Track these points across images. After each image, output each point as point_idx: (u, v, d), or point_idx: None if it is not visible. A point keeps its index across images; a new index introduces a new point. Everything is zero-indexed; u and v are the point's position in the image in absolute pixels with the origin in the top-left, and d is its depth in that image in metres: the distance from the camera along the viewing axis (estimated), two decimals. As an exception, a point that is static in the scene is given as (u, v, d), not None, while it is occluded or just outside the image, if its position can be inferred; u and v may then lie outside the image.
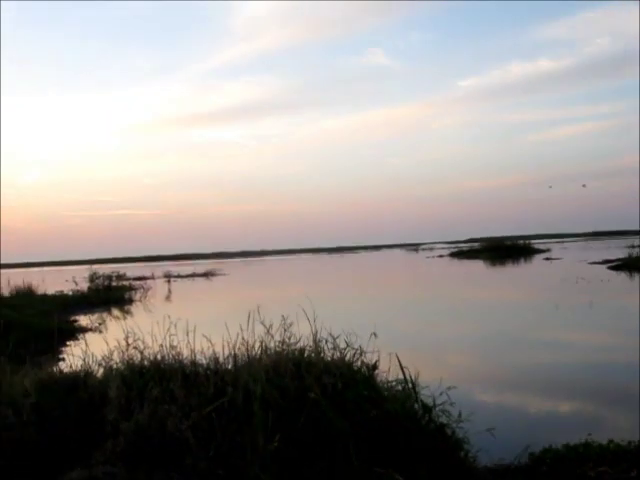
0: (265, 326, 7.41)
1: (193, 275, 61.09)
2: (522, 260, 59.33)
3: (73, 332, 19.56)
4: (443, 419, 6.47)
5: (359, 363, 7.21)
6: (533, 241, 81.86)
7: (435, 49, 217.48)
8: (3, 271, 59.24)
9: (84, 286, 36.33)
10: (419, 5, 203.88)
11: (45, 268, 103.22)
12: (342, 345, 7.30)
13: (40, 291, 33.89)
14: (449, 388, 6.66)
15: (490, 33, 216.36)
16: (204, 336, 7.51)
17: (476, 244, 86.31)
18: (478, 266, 54.28)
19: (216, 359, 7.30)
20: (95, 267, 41.02)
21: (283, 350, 7.18)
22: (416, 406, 6.63)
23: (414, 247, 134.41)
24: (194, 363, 7.27)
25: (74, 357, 8.13)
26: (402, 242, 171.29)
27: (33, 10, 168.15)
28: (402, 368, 6.78)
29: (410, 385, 6.77)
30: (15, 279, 35.69)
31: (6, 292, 32.74)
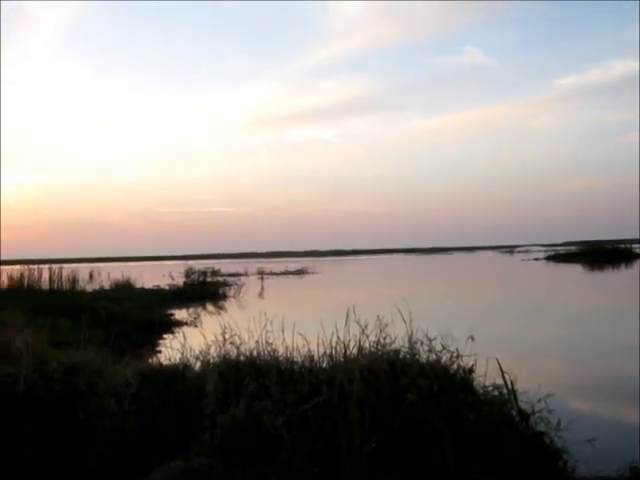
0: (360, 326, 7.38)
1: (286, 273, 61.73)
2: (623, 265, 57.34)
3: (170, 325, 20.07)
4: (541, 427, 6.30)
5: (455, 366, 7.09)
6: (635, 246, 78.93)
7: (532, 47, 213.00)
8: (103, 265, 61.37)
9: (180, 281, 37.20)
10: (516, 2, 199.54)
11: (143, 263, 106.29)
12: (438, 347, 7.19)
13: (138, 285, 34.97)
14: (547, 395, 6.47)
15: (590, 30, 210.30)
16: (299, 334, 7.54)
17: (573, 247, 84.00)
18: (576, 270, 52.81)
19: (311, 357, 7.32)
20: (190, 263, 41.97)
21: (378, 350, 7.14)
22: (513, 412, 6.48)
23: (509, 249, 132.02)
24: (289, 360, 7.31)
25: (172, 350, 8.30)
26: (497, 244, 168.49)
27: (132, 10, 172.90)
28: (502, 372, 6.63)
29: (508, 390, 6.62)
30: (115, 273, 36.93)
31: (107, 285, 33.92)
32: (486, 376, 6.90)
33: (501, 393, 6.68)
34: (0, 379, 7.62)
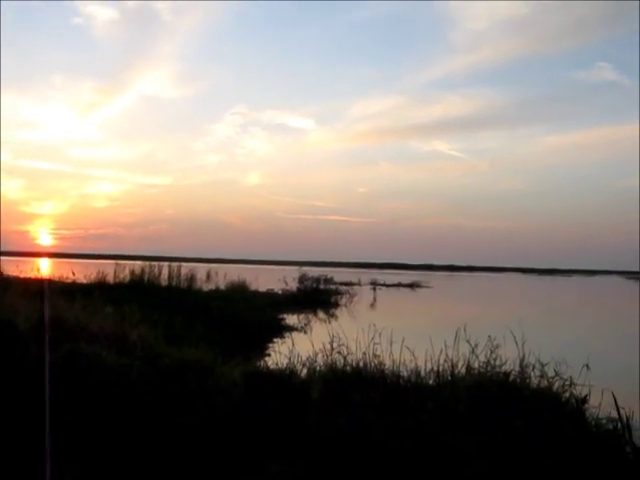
0: (470, 345, 7.23)
1: (399, 285, 61.38)
2: None
3: (280, 329, 20.27)
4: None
5: (567, 394, 6.83)
6: None
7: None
8: (221, 265, 62.90)
9: (293, 286, 37.60)
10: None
11: (258, 266, 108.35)
12: (550, 373, 6.95)
13: (252, 287, 35.59)
14: (666, 433, 6.14)
15: None
16: (407, 348, 7.47)
17: None
18: None
19: (418, 372, 7.24)
20: (305, 269, 42.33)
21: (487, 372, 6.97)
22: (628, 449, 6.16)
23: (634, 275, 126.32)
24: (395, 374, 7.25)
25: (280, 354, 8.39)
26: (621, 269, 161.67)
27: (258, 18, 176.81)
28: (617, 406, 6.31)
29: (622, 425, 6.30)
30: (231, 274, 37.73)
31: (222, 286, 34.71)
32: (600, 408, 6.61)
33: (615, 427, 6.37)
34: (115, 368, 7.91)
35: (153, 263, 30.03)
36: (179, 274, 29.90)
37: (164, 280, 29.03)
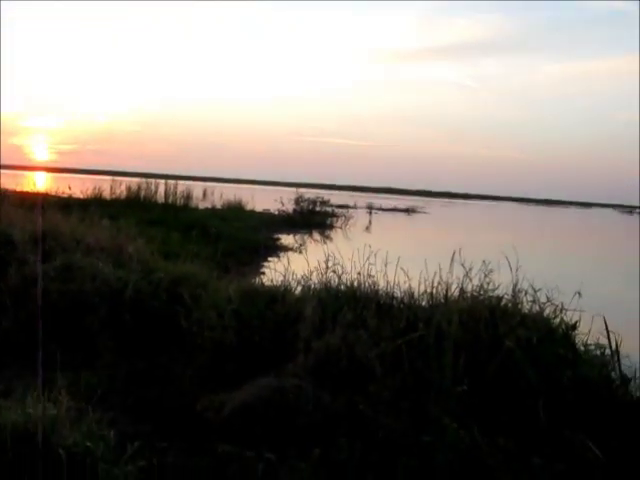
0: (465, 268, 7.26)
1: (394, 209, 61.42)
2: None
3: (275, 249, 20.39)
4: (643, 393, 6.07)
5: (558, 320, 6.90)
6: None
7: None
8: (217, 184, 62.76)
9: (290, 207, 37.64)
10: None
11: (255, 186, 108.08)
12: (542, 299, 7.00)
13: (249, 207, 35.63)
14: (654, 361, 6.23)
15: None
16: (401, 269, 7.50)
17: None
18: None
19: (411, 294, 7.28)
20: (302, 190, 42.27)
21: (480, 295, 7.02)
22: (614, 375, 6.27)
23: (629, 209, 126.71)
24: (389, 295, 7.31)
25: (275, 272, 8.42)
26: (616, 202, 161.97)
27: None
28: (608, 332, 6.37)
29: (611, 351, 6.39)
30: (227, 193, 37.70)
31: (218, 205, 34.74)
32: (590, 334, 6.68)
33: (603, 353, 6.46)
34: (111, 280, 7.97)
35: (150, 180, 29.93)
36: (175, 192, 29.87)
37: (160, 197, 29.03)
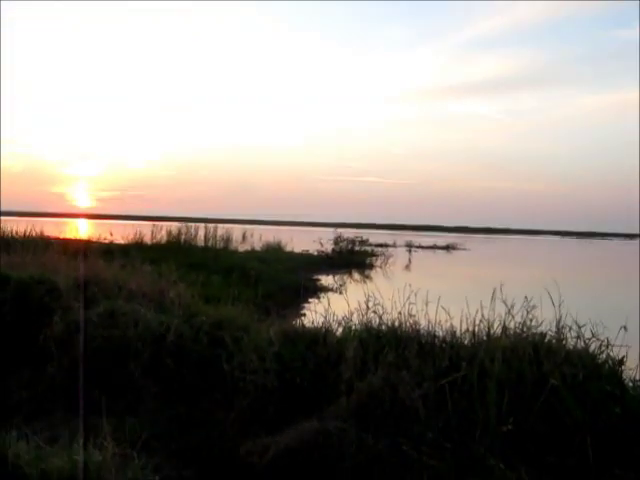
0: (506, 305, 7.19)
1: (434, 247, 61.21)
2: None
3: (315, 290, 20.41)
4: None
5: (604, 356, 6.77)
6: None
7: None
8: (257, 227, 63.22)
9: (328, 247, 37.72)
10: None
11: (294, 227, 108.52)
12: (587, 335, 6.89)
13: (288, 248, 35.80)
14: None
15: None
16: (442, 308, 7.45)
17: None
18: None
19: (453, 333, 7.23)
20: (340, 230, 42.36)
21: (523, 332, 6.93)
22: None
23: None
24: (431, 334, 7.25)
25: (316, 314, 8.41)
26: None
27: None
28: (655, 367, 6.25)
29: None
30: (266, 235, 37.95)
31: (258, 247, 34.97)
32: (638, 370, 6.55)
33: (652, 389, 6.32)
34: (154, 327, 8.04)
35: (189, 224, 30.27)
36: (215, 235, 30.16)
37: (200, 241, 29.33)
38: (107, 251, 16.67)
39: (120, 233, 28.56)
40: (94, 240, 26.23)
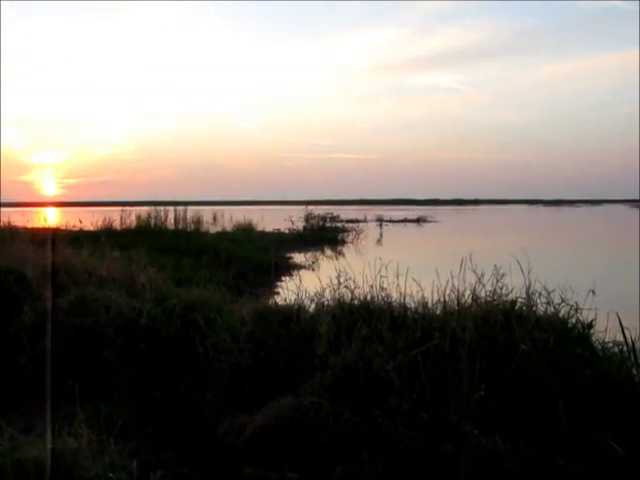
0: (476, 274, 7.24)
1: (404, 220, 61.46)
2: None
3: (288, 268, 20.37)
4: (664, 388, 6.03)
5: (574, 320, 6.86)
6: None
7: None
8: (226, 208, 62.94)
9: (299, 225, 37.73)
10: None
11: (264, 207, 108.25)
12: (556, 300, 6.97)
13: (259, 228, 35.72)
14: (673, 355, 6.20)
15: None
16: (413, 280, 7.49)
17: None
18: None
19: (425, 304, 7.27)
20: (310, 208, 42.32)
21: (494, 300, 7.00)
22: (634, 371, 6.23)
23: (639, 204, 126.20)
24: (403, 306, 7.29)
25: (288, 291, 8.42)
26: (626, 197, 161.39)
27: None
28: (622, 328, 6.36)
29: (629, 348, 6.36)
30: (237, 216, 37.81)
31: (228, 227, 34.86)
32: (606, 332, 6.65)
33: (621, 350, 6.43)
34: (125, 312, 8.00)
35: (159, 208, 30.03)
36: (185, 218, 29.97)
37: (170, 224, 29.12)
38: (76, 238, 16.46)
39: (89, 220, 28.27)
40: (62, 228, 25.95)
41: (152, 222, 28.60)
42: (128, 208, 30.74)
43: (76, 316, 7.88)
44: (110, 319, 7.84)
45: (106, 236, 17.52)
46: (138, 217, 28.99)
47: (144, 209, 30.40)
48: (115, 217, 28.74)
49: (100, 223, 27.77)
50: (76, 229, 25.98)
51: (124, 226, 28.25)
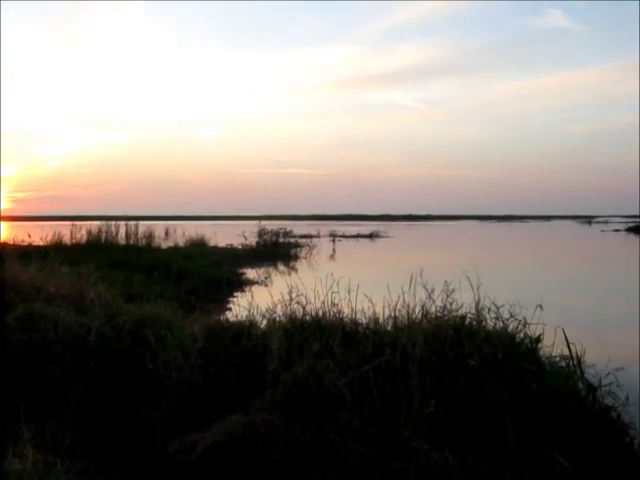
0: (427, 290, 7.32)
1: (358, 236, 61.83)
2: None
3: (240, 284, 20.30)
4: (608, 401, 6.17)
5: (522, 335, 6.98)
6: None
7: (617, 10, 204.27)
8: (179, 222, 62.45)
9: (253, 240, 37.63)
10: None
11: (217, 222, 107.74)
12: (506, 315, 7.08)
13: (212, 243, 35.52)
14: (617, 369, 6.34)
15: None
16: (365, 296, 7.54)
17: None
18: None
19: (376, 319, 7.31)
20: (264, 223, 42.24)
21: (444, 316, 7.07)
22: (580, 385, 6.36)
23: (587, 219, 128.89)
24: (354, 322, 7.32)
25: (240, 307, 8.40)
26: (575, 213, 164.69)
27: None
28: (568, 343, 6.50)
29: (575, 362, 6.49)
30: (190, 231, 37.55)
31: (181, 242, 34.58)
32: (554, 346, 6.78)
33: (568, 365, 6.56)
34: (74, 329, 7.87)
35: (110, 222, 29.66)
36: (137, 233, 29.65)
37: (122, 239, 28.76)
38: (24, 254, 16.18)
39: (38, 234, 27.79)
40: (10, 243, 25.47)
41: (103, 237, 28.20)
42: (79, 223, 30.31)
43: (23, 332, 7.73)
44: (58, 335, 7.71)
45: (55, 251, 17.24)
46: (89, 232, 28.56)
47: (95, 224, 30.00)
48: (65, 232, 28.28)
49: (50, 238, 27.29)
50: (25, 244, 25.49)
51: (74, 241, 27.81)
